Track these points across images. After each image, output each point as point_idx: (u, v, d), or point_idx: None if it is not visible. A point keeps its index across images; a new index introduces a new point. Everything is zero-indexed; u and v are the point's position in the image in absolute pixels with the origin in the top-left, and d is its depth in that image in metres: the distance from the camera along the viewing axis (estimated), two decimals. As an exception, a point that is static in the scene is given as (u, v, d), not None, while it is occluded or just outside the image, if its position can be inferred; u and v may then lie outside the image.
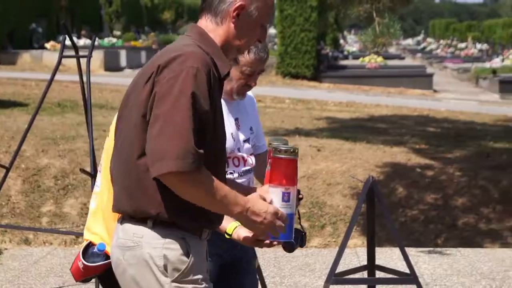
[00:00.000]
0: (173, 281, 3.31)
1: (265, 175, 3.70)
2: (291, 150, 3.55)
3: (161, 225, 3.33)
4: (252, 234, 3.80)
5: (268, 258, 8.68)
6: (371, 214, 6.97)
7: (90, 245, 4.12)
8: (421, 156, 12.36)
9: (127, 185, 3.37)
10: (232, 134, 4.61)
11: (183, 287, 3.33)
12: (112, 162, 3.52)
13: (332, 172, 11.00)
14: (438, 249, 9.54)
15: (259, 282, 7.12)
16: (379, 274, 7.04)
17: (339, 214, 10.14)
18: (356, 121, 17.48)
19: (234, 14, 3.40)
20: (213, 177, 3.23)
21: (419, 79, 32.18)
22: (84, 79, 7.39)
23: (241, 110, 4.78)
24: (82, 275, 4.15)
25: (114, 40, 38.67)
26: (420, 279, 6.87)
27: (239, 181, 4.70)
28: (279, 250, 9.28)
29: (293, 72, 30.05)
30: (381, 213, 7.08)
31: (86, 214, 9.84)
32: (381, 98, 25.63)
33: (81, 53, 7.54)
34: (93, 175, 7.25)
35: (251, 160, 4.79)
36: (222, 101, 4.44)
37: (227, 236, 4.20)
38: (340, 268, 6.85)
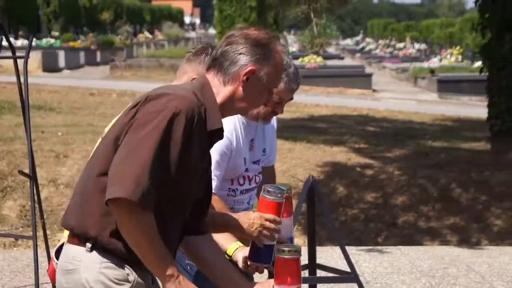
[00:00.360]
0: None
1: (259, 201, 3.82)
2: (294, 249, 3.50)
3: (100, 250, 3.24)
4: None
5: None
6: (312, 214, 6.98)
7: (63, 245, 4.06)
8: (361, 155, 12.44)
9: (79, 202, 3.30)
10: (245, 158, 4.60)
11: None
12: (79, 177, 3.45)
13: (272, 172, 11.02)
14: (379, 247, 9.60)
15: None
16: (320, 273, 7.06)
17: (280, 213, 10.15)
18: (296, 121, 17.52)
19: (244, 78, 3.36)
20: (155, 227, 3.15)
21: (358, 79, 32.36)
22: (22, 80, 7.30)
23: (259, 132, 4.75)
24: None
25: (52, 40, 38.44)
26: (360, 278, 6.90)
27: (240, 197, 4.69)
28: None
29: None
30: (322, 212, 7.09)
31: (26, 216, 9.83)
32: (321, 98, 25.74)
33: (18, 53, 7.43)
34: (31, 176, 7.18)
35: (258, 178, 4.76)
36: (242, 122, 4.49)
37: (227, 257, 4.16)
38: (281, 268, 6.85)
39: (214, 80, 3.38)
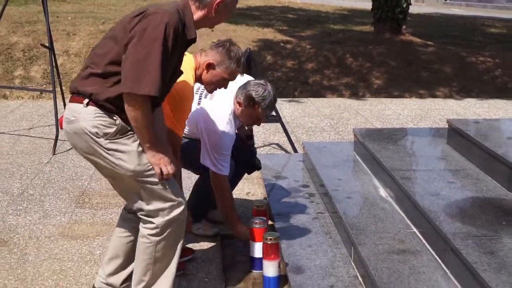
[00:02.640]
0: (107, 139, 3.20)
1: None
2: (275, 237, 3.83)
3: (93, 105, 3.20)
4: None
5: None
6: (249, 74, 6.95)
7: None
8: (283, 34, 12.33)
9: (89, 72, 3.24)
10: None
11: (116, 141, 3.22)
12: (96, 47, 3.35)
13: (221, 46, 10.90)
14: (296, 99, 9.65)
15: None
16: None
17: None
18: (238, 10, 17.22)
19: (216, 6, 3.32)
20: (151, 112, 3.15)
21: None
22: (41, -22, 7.06)
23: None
24: None
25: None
26: (283, 119, 6.95)
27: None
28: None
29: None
30: (256, 73, 7.07)
31: (47, 77, 9.67)
32: (256, -6, 25.29)
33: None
34: (50, 48, 7.03)
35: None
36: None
37: None
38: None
39: (192, 5, 3.33)
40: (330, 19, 15.93)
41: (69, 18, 12.51)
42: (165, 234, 3.36)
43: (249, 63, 6.77)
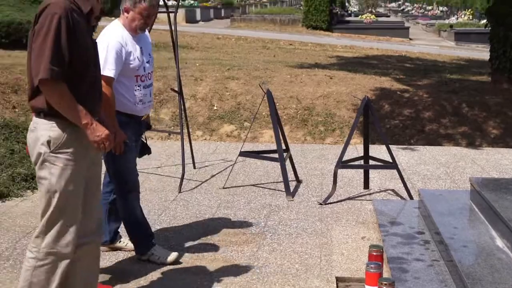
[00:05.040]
0: (50, 152, 3.43)
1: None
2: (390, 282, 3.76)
3: (49, 116, 3.44)
4: None
5: (296, 150, 8.67)
6: (366, 122, 6.93)
7: None
8: (400, 83, 12.20)
9: (30, 91, 3.50)
10: (137, 57, 4.70)
11: (56, 155, 3.44)
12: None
13: (340, 93, 10.90)
14: (411, 146, 9.49)
15: (291, 167, 7.12)
16: (371, 162, 7.04)
17: (344, 121, 10.08)
18: (356, 59, 17.22)
19: None
20: (68, 92, 3.35)
21: (399, 31, 31.67)
22: (173, 28, 7.34)
23: (142, 41, 4.83)
24: None
25: (192, 1, 38.21)
26: (399, 166, 6.85)
27: (143, 92, 4.77)
28: (305, 147, 9.29)
29: (314, 25, 29.70)
30: (373, 121, 7.03)
31: (175, 119, 9.97)
32: (373, 43, 25.19)
33: (170, 10, 7.47)
34: (179, 92, 7.25)
35: (151, 76, 4.90)
36: (129, 35, 4.65)
37: None
38: (345, 158, 6.85)
39: None
40: (446, 69, 15.65)
41: (197, 64, 12.90)
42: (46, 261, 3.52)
43: (366, 110, 6.76)
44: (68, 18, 3.33)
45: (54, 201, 3.45)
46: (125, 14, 4.66)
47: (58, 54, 3.29)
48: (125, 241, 5.14)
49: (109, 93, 4.33)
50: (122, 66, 4.56)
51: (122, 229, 5.07)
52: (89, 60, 3.51)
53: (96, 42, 3.68)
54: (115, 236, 5.15)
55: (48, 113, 3.42)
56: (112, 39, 4.56)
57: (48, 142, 3.42)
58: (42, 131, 3.45)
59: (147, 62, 4.79)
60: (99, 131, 3.47)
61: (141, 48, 4.74)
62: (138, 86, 4.71)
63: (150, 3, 4.63)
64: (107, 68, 4.44)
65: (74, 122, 3.41)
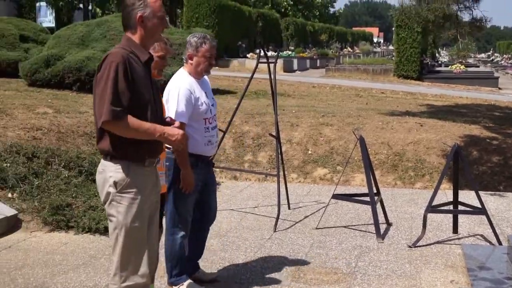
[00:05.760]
0: (117, 192, 3.63)
1: None
2: None
3: (114, 159, 3.64)
4: None
5: (387, 194, 8.70)
6: (456, 168, 6.92)
7: None
8: (489, 131, 12.02)
9: (98, 136, 3.71)
10: (204, 101, 4.89)
11: (122, 195, 3.63)
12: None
13: (430, 140, 10.85)
14: (500, 192, 9.32)
15: (381, 210, 7.19)
16: (460, 208, 7.00)
17: (434, 167, 10.02)
18: (446, 107, 17.02)
19: (139, 22, 3.68)
20: (135, 119, 3.52)
21: (489, 80, 31.02)
22: (272, 77, 7.57)
23: (206, 86, 5.02)
24: None
25: (289, 52, 38.78)
26: (488, 212, 6.79)
27: (211, 133, 4.95)
28: (395, 192, 9.30)
29: (405, 74, 29.59)
30: (463, 167, 7.02)
31: (272, 162, 10.19)
32: (463, 92, 24.79)
33: (270, 60, 7.71)
34: (277, 137, 7.46)
35: (216, 119, 5.09)
36: (195, 82, 4.87)
37: None
38: (434, 202, 6.85)
39: (130, 34, 3.72)
40: (539, 118, 15.24)
41: (293, 111, 13.14)
42: None
43: (456, 157, 6.76)
44: (125, 65, 3.55)
45: (122, 237, 3.66)
46: (189, 61, 4.90)
47: (118, 97, 3.50)
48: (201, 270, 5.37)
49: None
50: (192, 111, 4.81)
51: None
52: (147, 102, 3.71)
53: (155, 82, 3.93)
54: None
55: (114, 156, 3.65)
56: (182, 87, 4.78)
57: (115, 183, 3.64)
58: (109, 173, 3.66)
59: (212, 105, 5.02)
60: (173, 136, 3.65)
61: (205, 92, 4.98)
62: (207, 128, 4.94)
63: (211, 44, 4.87)
64: (179, 115, 4.69)
65: (149, 139, 3.64)
